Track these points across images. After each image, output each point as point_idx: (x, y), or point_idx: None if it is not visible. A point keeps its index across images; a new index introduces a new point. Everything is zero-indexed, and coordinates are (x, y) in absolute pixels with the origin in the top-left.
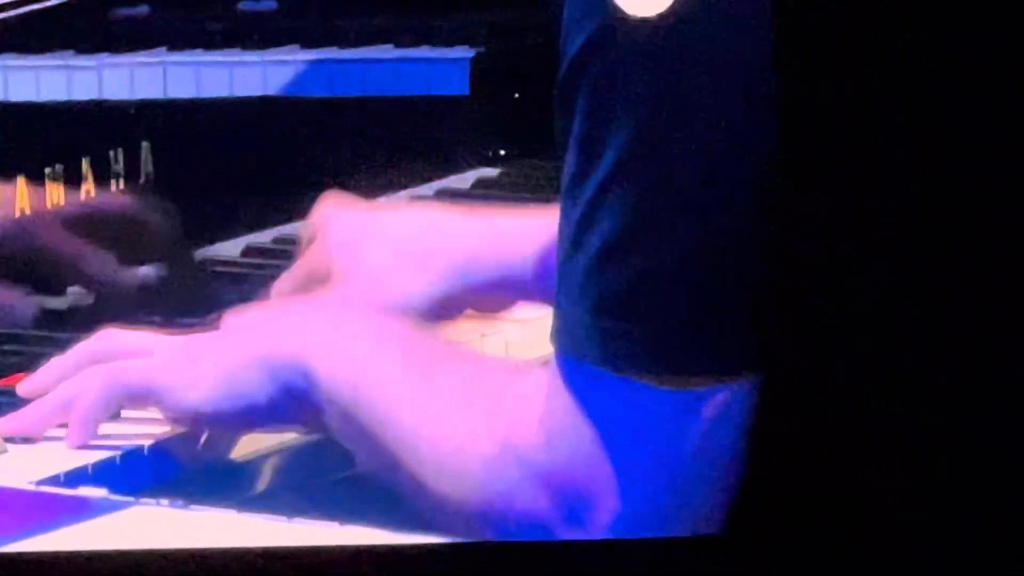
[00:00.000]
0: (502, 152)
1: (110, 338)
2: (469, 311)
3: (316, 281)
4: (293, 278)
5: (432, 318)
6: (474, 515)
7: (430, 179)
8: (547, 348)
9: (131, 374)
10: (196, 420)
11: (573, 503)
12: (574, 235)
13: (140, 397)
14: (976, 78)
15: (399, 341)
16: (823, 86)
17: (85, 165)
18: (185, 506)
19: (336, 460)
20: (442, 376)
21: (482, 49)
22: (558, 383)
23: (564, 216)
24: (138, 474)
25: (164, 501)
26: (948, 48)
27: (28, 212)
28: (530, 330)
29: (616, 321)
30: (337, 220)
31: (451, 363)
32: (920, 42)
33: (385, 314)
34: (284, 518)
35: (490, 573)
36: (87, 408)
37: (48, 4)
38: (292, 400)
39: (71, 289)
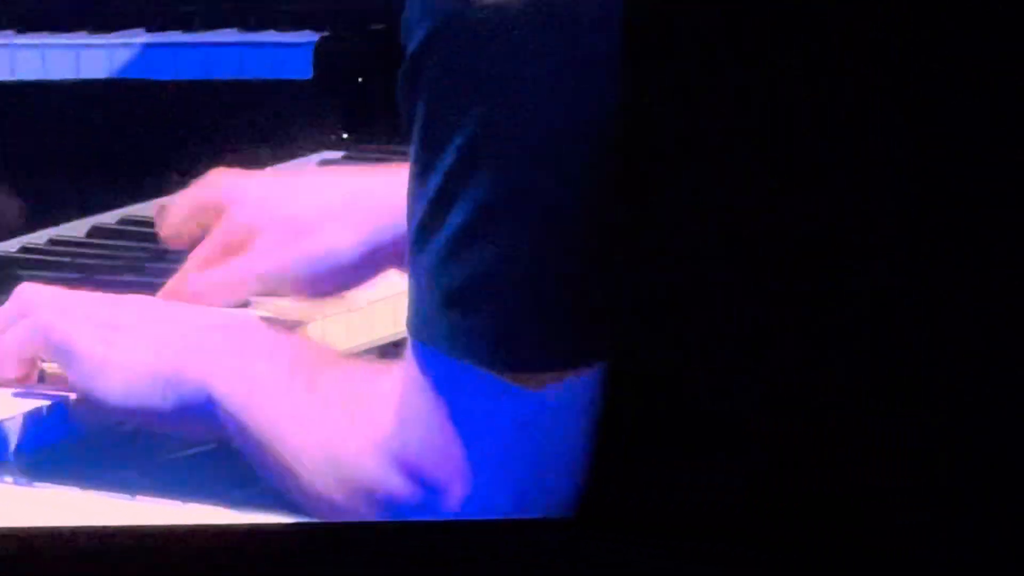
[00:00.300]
0: (345, 136)
1: (33, 294)
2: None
3: (235, 247)
4: (210, 248)
5: (357, 271)
6: (345, 508)
7: (272, 162)
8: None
9: (54, 332)
10: (99, 404)
11: (426, 487)
12: (422, 227)
13: (57, 354)
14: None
15: (288, 356)
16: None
17: None
18: (29, 483)
19: (180, 439)
20: (321, 386)
21: (326, 33)
22: (412, 370)
23: (411, 208)
24: None
25: (8, 478)
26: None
27: None
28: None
29: (463, 314)
30: (251, 180)
31: (328, 372)
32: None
33: (282, 333)
34: (128, 496)
35: (331, 553)
36: (9, 349)
37: None
38: (196, 419)
39: None
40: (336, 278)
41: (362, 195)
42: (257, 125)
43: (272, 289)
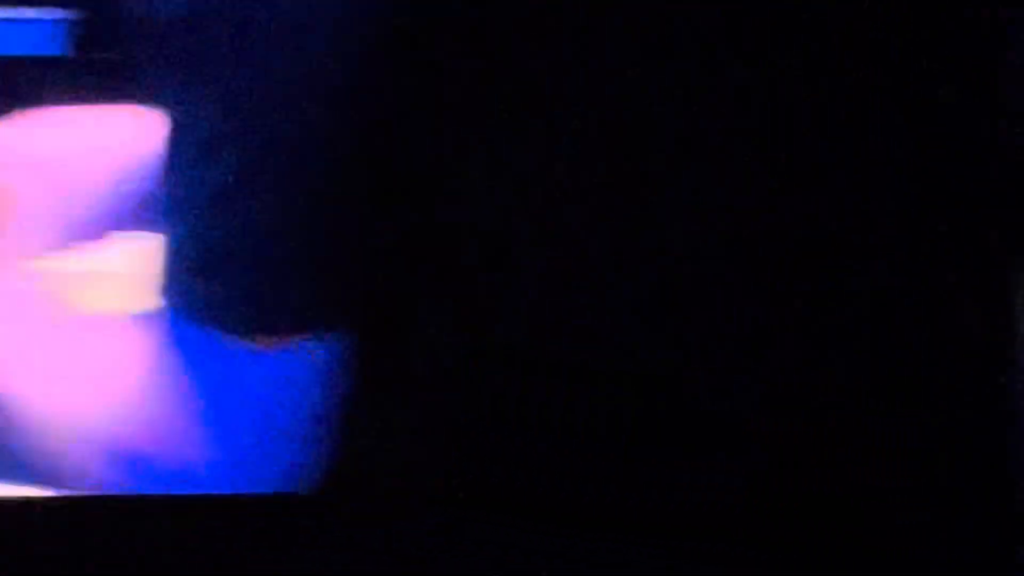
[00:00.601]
0: None
1: None
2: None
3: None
4: None
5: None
6: (88, 468)
7: None
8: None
9: None
10: None
11: (158, 450)
12: (169, 197)
13: None
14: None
15: (25, 302)
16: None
17: None
18: None
19: None
20: (61, 333)
21: (81, 11)
22: (151, 331)
23: (162, 179)
24: None
25: None
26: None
27: None
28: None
29: (199, 279)
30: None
31: (67, 325)
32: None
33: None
34: None
35: (74, 527)
36: None
37: None
38: None
39: None
40: (103, 218)
41: (111, 130)
42: (8, 102)
43: (58, 241)
